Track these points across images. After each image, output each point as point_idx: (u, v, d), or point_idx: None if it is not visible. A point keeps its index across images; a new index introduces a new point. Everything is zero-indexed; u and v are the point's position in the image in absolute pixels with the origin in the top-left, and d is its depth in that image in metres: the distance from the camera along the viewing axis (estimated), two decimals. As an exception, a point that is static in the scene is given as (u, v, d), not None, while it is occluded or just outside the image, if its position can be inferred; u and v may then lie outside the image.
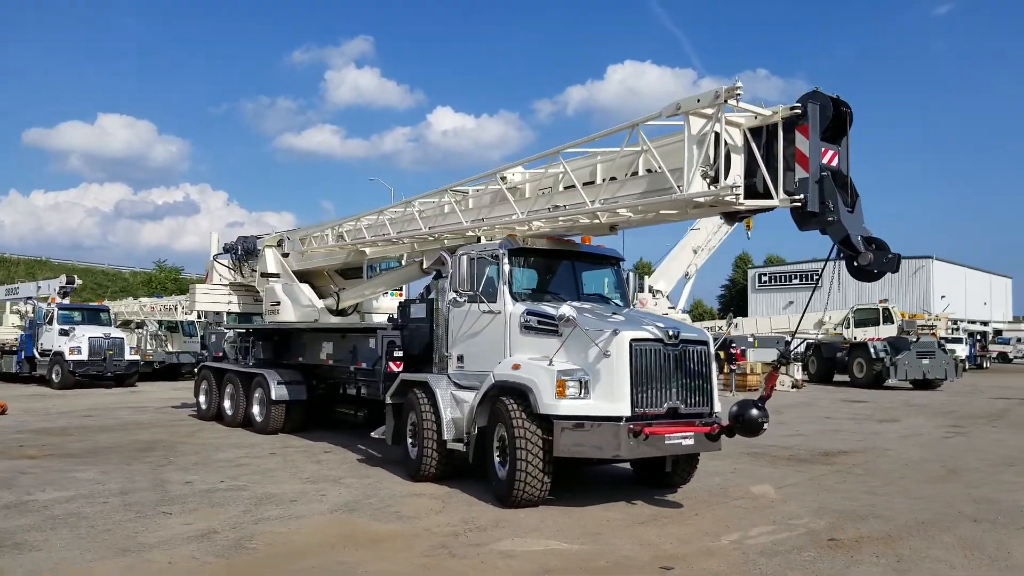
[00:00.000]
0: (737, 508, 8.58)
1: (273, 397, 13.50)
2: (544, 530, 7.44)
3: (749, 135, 7.18)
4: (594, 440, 7.94)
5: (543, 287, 9.57)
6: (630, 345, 8.08)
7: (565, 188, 8.77)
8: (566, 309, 8.27)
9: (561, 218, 8.84)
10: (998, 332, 70.79)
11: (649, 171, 8.19)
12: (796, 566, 6.42)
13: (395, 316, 11.75)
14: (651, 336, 8.28)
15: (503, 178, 9.84)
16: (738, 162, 7.22)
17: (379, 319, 15.27)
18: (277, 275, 15.49)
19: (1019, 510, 8.66)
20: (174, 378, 30.04)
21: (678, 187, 7.13)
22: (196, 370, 17.33)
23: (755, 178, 7.17)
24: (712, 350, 8.86)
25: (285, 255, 14.91)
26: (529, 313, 8.86)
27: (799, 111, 6.95)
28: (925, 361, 30.30)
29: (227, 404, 15.34)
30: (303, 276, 15.14)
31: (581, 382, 8.05)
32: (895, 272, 6.89)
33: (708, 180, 7.12)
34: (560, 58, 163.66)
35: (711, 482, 9.79)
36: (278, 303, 14.65)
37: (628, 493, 9.12)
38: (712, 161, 7.14)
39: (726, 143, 7.16)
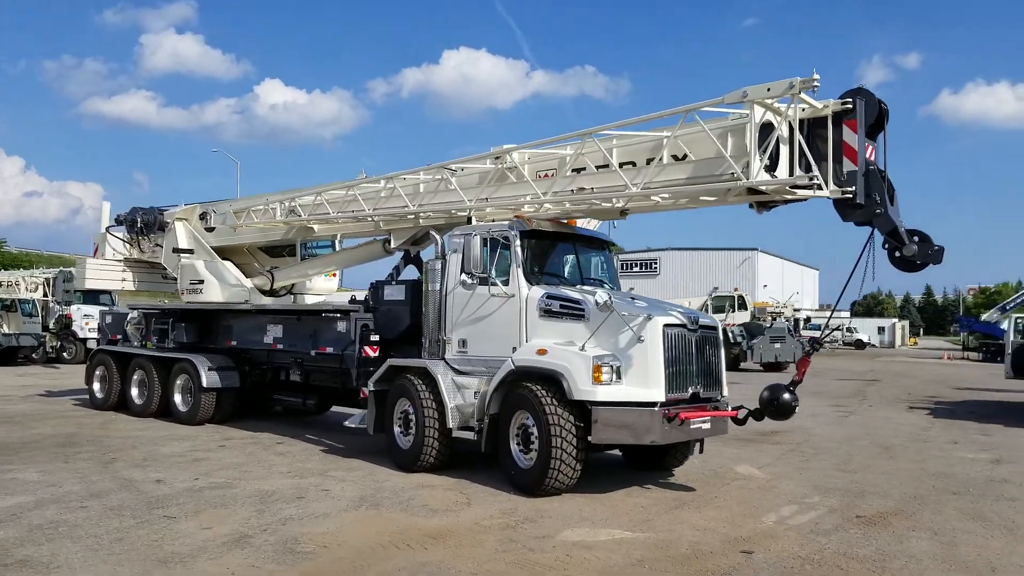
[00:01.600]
0: (744, 490, 8.83)
1: (204, 384, 12.36)
2: (594, 519, 7.30)
3: (795, 127, 7.32)
4: (630, 426, 7.88)
5: (549, 270, 9.35)
6: (663, 330, 8.09)
7: (598, 168, 8.57)
8: (602, 294, 8.16)
9: (590, 201, 8.64)
10: (807, 319, 77.85)
11: (676, 157, 8.16)
12: (858, 543, 6.68)
13: (363, 298, 11.07)
14: (678, 321, 8.32)
15: (497, 158, 9.51)
16: (785, 152, 7.36)
17: (312, 300, 14.45)
18: (191, 251, 14.17)
19: (981, 482, 9.53)
20: (10, 362, 26.83)
21: (742, 174, 7.16)
22: (90, 355, 15.51)
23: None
24: (721, 336, 9.08)
25: (210, 229, 13.64)
26: (550, 297, 8.63)
27: (849, 106, 7.18)
28: (777, 345, 32.69)
29: (134, 392, 13.91)
30: (220, 253, 13.94)
31: (614, 368, 7.96)
32: (939, 263, 7.33)
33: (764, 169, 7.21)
34: (397, 39, 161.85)
35: (690, 464, 9.96)
36: (200, 282, 13.39)
37: (627, 478, 9.13)
38: (766, 151, 7.23)
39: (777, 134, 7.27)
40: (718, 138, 7.86)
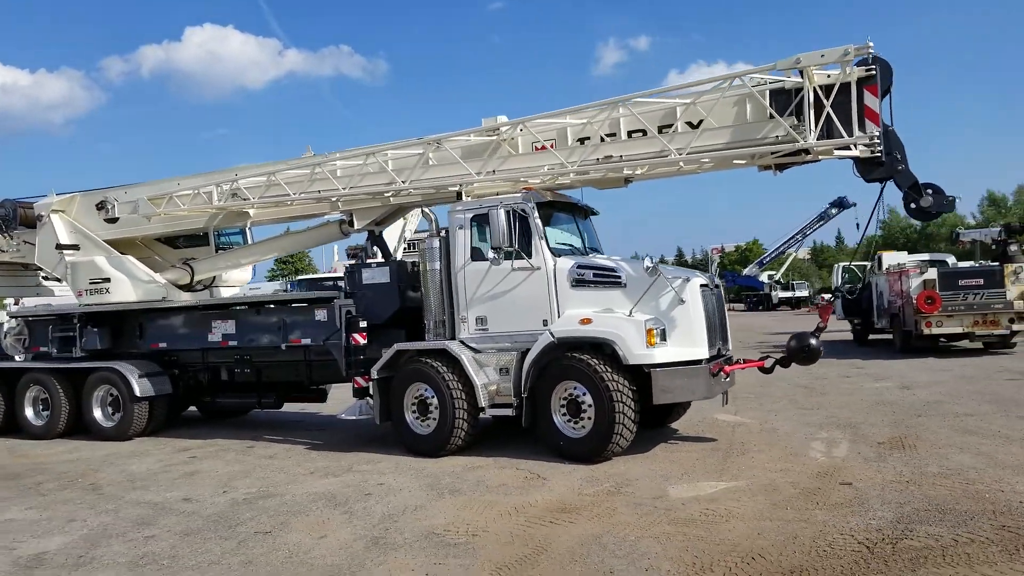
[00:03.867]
0: (757, 434, 9.47)
1: (138, 393, 11.03)
2: (676, 475, 7.55)
3: (820, 92, 7.91)
4: (686, 384, 8.20)
5: (561, 240, 9.36)
6: (700, 290, 8.46)
7: (629, 134, 8.66)
8: (647, 260, 8.35)
9: (611, 168, 8.74)
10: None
11: (690, 124, 8.50)
12: (919, 463, 7.47)
13: (337, 283, 10.42)
14: (705, 282, 8.74)
15: (494, 131, 9.36)
16: (811, 116, 7.93)
17: (228, 292, 13.30)
18: (76, 247, 12.48)
19: (921, 406, 10.95)
20: None
21: (799, 137, 7.64)
22: None
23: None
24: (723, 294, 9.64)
25: (112, 220, 12.04)
26: (581, 267, 8.68)
27: (873, 72, 7.88)
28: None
29: (29, 412, 12.09)
30: (112, 245, 12.42)
31: (659, 330, 8.21)
32: (951, 212, 8.28)
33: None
34: (131, 13, 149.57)
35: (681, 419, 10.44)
36: (105, 280, 11.81)
37: (645, 436, 9.33)
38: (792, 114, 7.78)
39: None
40: (735, 106, 8.33)
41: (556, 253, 8.85)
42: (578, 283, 8.62)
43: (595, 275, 8.62)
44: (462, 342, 9.10)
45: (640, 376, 8.16)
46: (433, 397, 9.04)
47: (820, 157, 8.13)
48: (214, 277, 12.59)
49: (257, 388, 11.30)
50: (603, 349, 8.28)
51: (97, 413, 11.50)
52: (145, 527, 6.69)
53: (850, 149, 7.92)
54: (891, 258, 21.68)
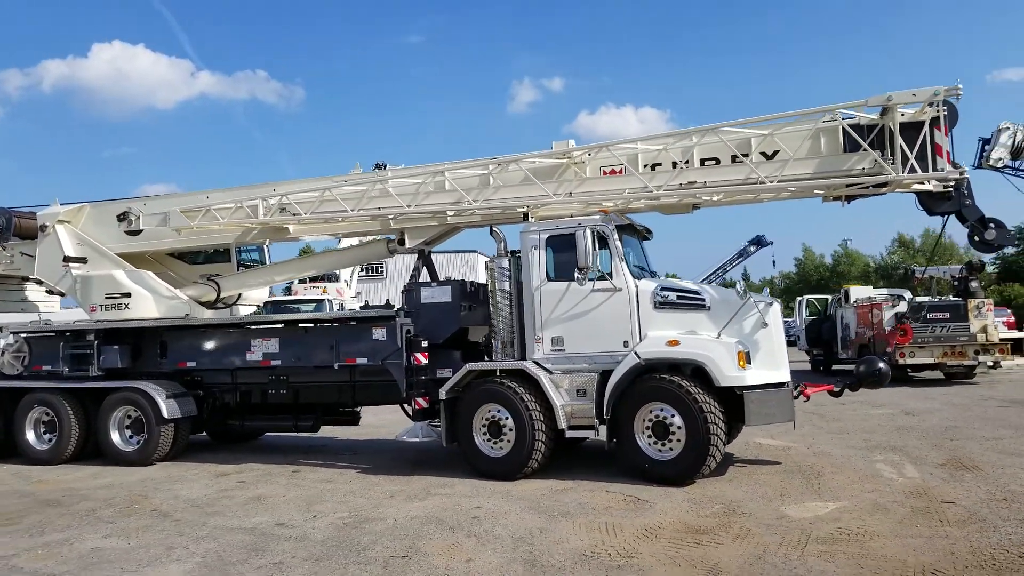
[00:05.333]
0: (815, 457, 9.70)
1: (165, 415, 10.45)
2: (772, 498, 7.66)
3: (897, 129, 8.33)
4: (775, 407, 8.36)
5: (632, 262, 9.42)
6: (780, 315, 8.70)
7: (702, 162, 8.86)
8: (739, 285, 8.54)
9: (692, 194, 8.91)
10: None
11: (764, 154, 8.80)
12: (1004, 482, 7.83)
13: (394, 303, 10.22)
14: (779, 306, 8.98)
15: (567, 155, 9.45)
16: (900, 151, 8.30)
17: (245, 310, 12.85)
18: (84, 260, 11.83)
19: (942, 430, 11.47)
20: None
21: (890, 169, 8.00)
22: None
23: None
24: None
25: (134, 232, 11.45)
26: (665, 289, 8.78)
27: (945, 111, 8.35)
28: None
29: (31, 436, 11.26)
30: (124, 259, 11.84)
31: (746, 353, 8.38)
32: (1014, 246, 8.79)
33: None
34: (35, 26, 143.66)
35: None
36: (125, 295, 11.19)
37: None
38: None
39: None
40: (811, 139, 8.68)
41: (635, 275, 8.94)
42: (661, 305, 8.71)
43: (679, 297, 8.74)
44: (536, 363, 9.04)
45: (724, 399, 8.30)
46: (508, 419, 8.92)
47: (896, 190, 8.52)
48: (239, 295, 12.11)
49: (293, 410, 10.85)
50: (683, 371, 8.39)
51: (115, 436, 10.82)
52: (262, 553, 6.33)
53: (923, 183, 8.34)
54: (858, 291, 22.73)
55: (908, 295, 23.22)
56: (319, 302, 22.10)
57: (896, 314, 18.78)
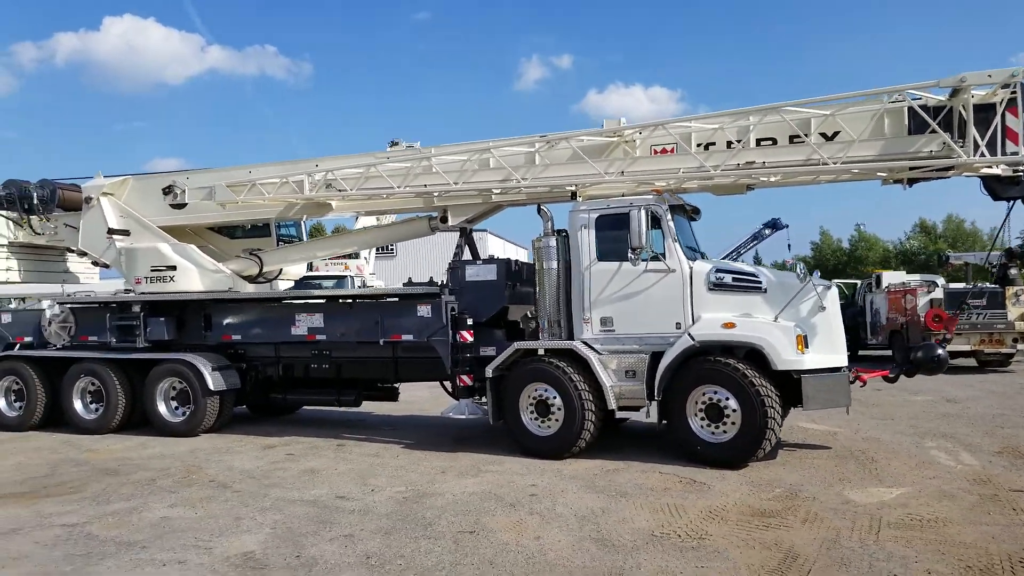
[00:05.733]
0: (864, 442, 9.60)
1: (211, 387, 10.50)
2: (831, 482, 7.60)
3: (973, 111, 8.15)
4: (832, 391, 8.27)
5: (683, 243, 9.33)
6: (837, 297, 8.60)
7: (757, 142, 8.72)
8: (799, 268, 8.43)
9: (748, 174, 8.79)
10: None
11: (824, 135, 8.64)
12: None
13: (439, 280, 10.19)
14: (835, 289, 8.87)
15: (617, 133, 9.33)
16: (973, 134, 8.12)
17: (284, 285, 12.87)
18: (126, 232, 11.86)
19: (992, 417, 11.34)
20: None
21: (962, 152, 7.85)
22: None
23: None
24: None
25: (179, 206, 11.45)
26: (720, 271, 8.69)
27: (1017, 95, 8.16)
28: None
29: (78, 405, 11.35)
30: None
31: (804, 336, 8.29)
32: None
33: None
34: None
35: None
36: (170, 268, 11.21)
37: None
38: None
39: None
40: (875, 120, 8.50)
41: (688, 256, 8.85)
42: (716, 287, 8.62)
43: (734, 279, 8.64)
44: (584, 343, 8.99)
45: (777, 383, 8.23)
46: (556, 398, 8.89)
47: (964, 174, 8.36)
48: (280, 270, 12.12)
49: (336, 384, 10.87)
50: (735, 353, 8.33)
51: (161, 407, 10.89)
52: (329, 526, 6.35)
53: (991, 168, 8.18)
54: (890, 277, 22.49)
55: (941, 281, 22.97)
56: (341, 278, 22.13)
57: (931, 300, 18.57)
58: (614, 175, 9.13)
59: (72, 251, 12.87)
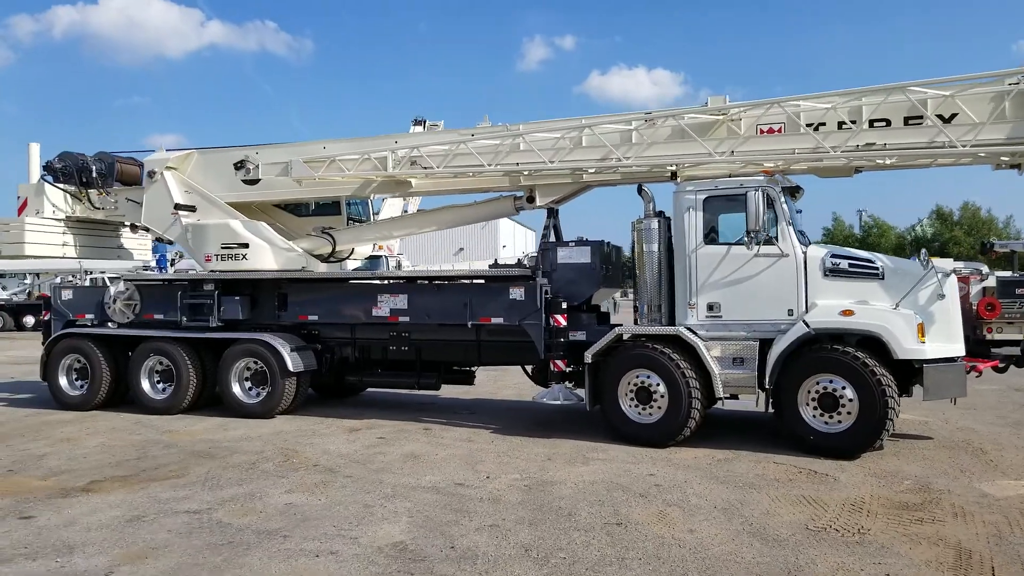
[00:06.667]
0: (961, 432, 9.46)
1: (290, 368, 10.27)
2: (954, 474, 7.42)
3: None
4: (952, 381, 8.07)
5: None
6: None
7: (871, 123, 8.42)
8: (922, 254, 8.20)
9: (866, 156, 8.52)
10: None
11: (941, 117, 8.37)
12: None
13: (525, 261, 9.95)
14: (954, 276, 8.64)
15: (723, 112, 9.04)
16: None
17: (352, 265, 12.62)
18: (192, 208, 11.56)
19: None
20: None
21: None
22: (51, 340, 11.83)
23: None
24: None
25: (251, 182, 11.16)
26: (836, 256, 8.46)
27: None
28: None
29: (146, 385, 11.10)
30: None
31: (922, 325, 8.08)
32: None
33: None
34: None
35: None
36: (244, 245, 10.92)
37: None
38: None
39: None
40: (993, 102, 8.22)
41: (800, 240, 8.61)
42: (831, 272, 8.39)
43: (850, 265, 8.41)
44: (689, 328, 8.76)
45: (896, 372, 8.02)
46: (660, 385, 8.67)
47: (1091, 159, 8.11)
48: (352, 249, 11.86)
49: (416, 367, 10.62)
50: (847, 341, 8.12)
51: (236, 388, 10.66)
52: (468, 515, 6.15)
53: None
54: (938, 264, 22.17)
55: (985, 268, 22.71)
56: (376, 258, 21.88)
57: (984, 288, 18.33)
58: (725, 155, 8.84)
59: (135, 226, 12.55)
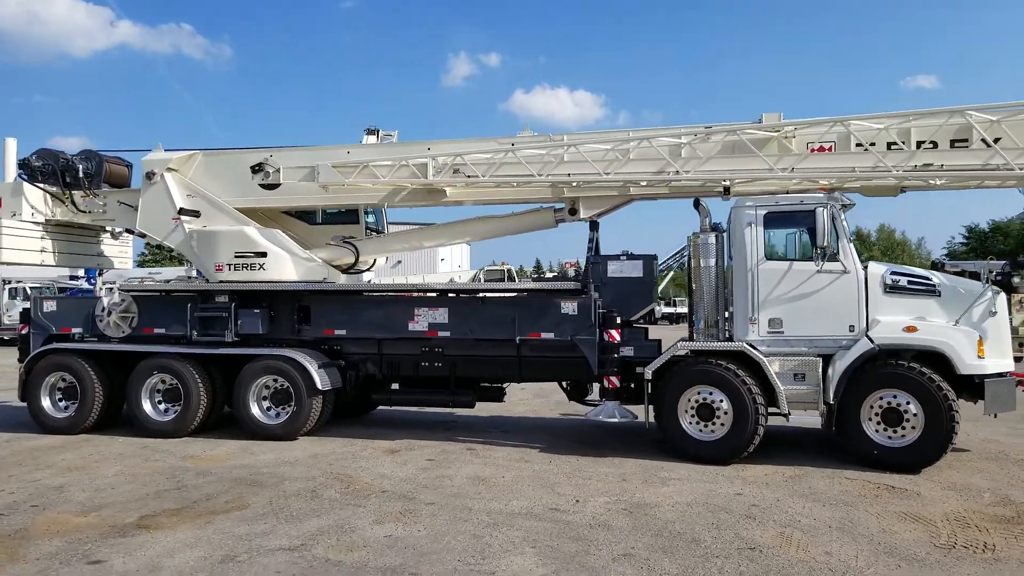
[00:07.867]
0: (990, 444, 9.69)
1: (318, 386, 9.69)
2: (1020, 487, 7.61)
3: None
4: (1006, 396, 8.25)
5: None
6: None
7: (918, 144, 8.57)
8: (985, 271, 8.38)
9: (924, 177, 8.66)
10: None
11: (984, 142, 8.62)
12: None
13: (569, 274, 9.71)
14: (1003, 294, 8.88)
15: (777, 129, 9.08)
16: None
17: (367, 277, 12.11)
18: (196, 213, 10.85)
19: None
20: None
21: None
22: (31, 358, 10.75)
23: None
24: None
25: (270, 186, 10.52)
26: (896, 273, 8.57)
27: None
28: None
29: (147, 406, 10.28)
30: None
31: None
32: None
33: None
34: None
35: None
36: (261, 254, 10.27)
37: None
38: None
39: None
40: (1037, 126, 8.52)
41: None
42: (892, 289, 8.49)
43: (910, 282, 8.53)
44: (750, 344, 8.71)
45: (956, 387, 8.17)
46: (723, 401, 8.58)
47: None
48: (374, 260, 11.34)
49: (450, 384, 10.16)
50: (903, 357, 8.25)
51: (254, 408, 9.99)
52: (591, 544, 5.86)
53: None
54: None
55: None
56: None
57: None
58: (785, 171, 8.83)
59: (130, 232, 11.66)
